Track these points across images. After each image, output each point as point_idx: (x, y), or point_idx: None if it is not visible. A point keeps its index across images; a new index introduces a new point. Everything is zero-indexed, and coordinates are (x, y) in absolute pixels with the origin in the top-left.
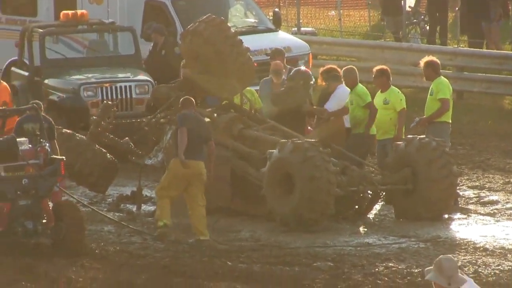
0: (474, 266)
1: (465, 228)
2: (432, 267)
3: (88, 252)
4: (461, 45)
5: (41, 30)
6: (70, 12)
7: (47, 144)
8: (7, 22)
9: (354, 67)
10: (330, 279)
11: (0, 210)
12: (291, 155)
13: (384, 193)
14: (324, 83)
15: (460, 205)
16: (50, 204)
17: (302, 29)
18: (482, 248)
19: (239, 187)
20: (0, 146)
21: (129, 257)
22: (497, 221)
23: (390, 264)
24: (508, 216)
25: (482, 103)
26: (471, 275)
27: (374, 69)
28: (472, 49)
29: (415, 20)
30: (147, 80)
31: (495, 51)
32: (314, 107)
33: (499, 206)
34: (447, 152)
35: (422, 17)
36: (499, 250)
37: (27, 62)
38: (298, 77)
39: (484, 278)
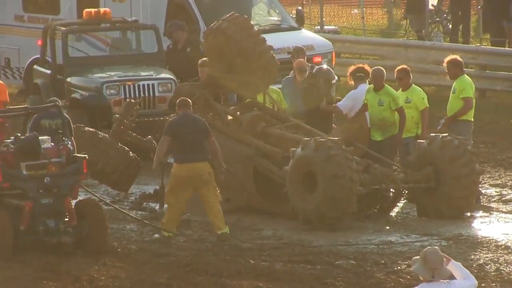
0: (496, 264)
1: (487, 226)
2: (418, 257)
3: (110, 251)
4: (484, 44)
5: (63, 28)
6: (93, 10)
7: (69, 142)
8: (29, 20)
9: (382, 68)
10: (352, 277)
11: (22, 208)
12: (314, 153)
13: (406, 191)
14: (351, 82)
15: (482, 203)
16: (73, 203)
17: (325, 27)
18: (504, 246)
19: (261, 185)
20: (22, 145)
21: (152, 255)
22: None
23: None
24: None
25: (504, 101)
26: (493, 273)
27: (397, 69)
28: (494, 47)
29: (438, 19)
30: (170, 78)
31: None
32: (334, 105)
33: None
34: (469, 150)
35: (445, 15)
36: None
37: (49, 60)
38: (319, 75)
39: (505, 276)
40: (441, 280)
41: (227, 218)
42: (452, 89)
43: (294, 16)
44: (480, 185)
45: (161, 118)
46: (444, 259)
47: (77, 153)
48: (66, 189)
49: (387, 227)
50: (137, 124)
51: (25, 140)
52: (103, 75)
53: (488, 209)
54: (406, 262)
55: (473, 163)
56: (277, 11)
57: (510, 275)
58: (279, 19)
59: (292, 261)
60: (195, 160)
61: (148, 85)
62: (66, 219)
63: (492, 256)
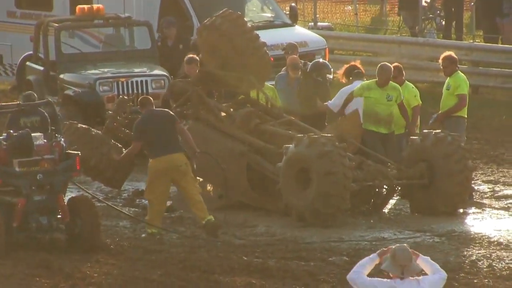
0: (489, 260)
1: (480, 222)
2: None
3: (103, 248)
4: (477, 40)
5: (56, 25)
6: (86, 6)
7: (62, 139)
8: (22, 16)
9: (389, 64)
10: (345, 273)
11: (14, 205)
12: (307, 150)
13: (399, 188)
14: (343, 80)
15: (475, 199)
16: (66, 199)
17: (319, 24)
18: (496, 242)
19: (255, 182)
20: (15, 141)
21: (145, 252)
22: (511, 215)
23: None
24: None
25: (497, 98)
26: (485, 269)
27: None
28: (487, 44)
29: (431, 15)
30: (163, 75)
31: (510, 46)
32: (325, 104)
33: None
34: (462, 147)
35: (438, 12)
36: None
37: (42, 56)
38: (312, 69)
39: (498, 272)
40: (411, 278)
41: (218, 214)
42: (446, 85)
43: (287, 12)
44: (473, 182)
45: None
46: (413, 255)
47: (70, 150)
48: (59, 186)
49: (380, 224)
50: (130, 121)
51: (17, 137)
52: (96, 71)
53: (481, 206)
54: None
55: (466, 160)
56: (270, 8)
57: (502, 271)
58: (273, 15)
59: (285, 258)
60: (170, 152)
61: (141, 81)
62: (59, 216)
63: (485, 252)
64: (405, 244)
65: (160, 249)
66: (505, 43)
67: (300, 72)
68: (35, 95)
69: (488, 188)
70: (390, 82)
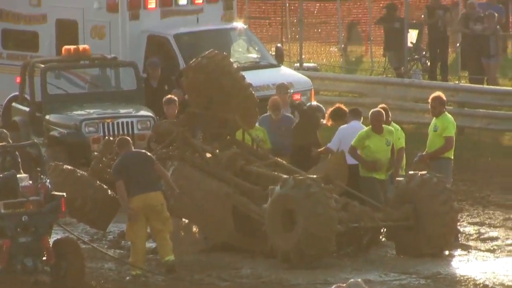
0: None
1: (466, 264)
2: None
3: None
4: (462, 81)
5: (42, 65)
6: (72, 47)
7: (48, 181)
8: (8, 57)
9: (381, 110)
10: None
11: None
12: (293, 191)
13: (385, 230)
14: (330, 123)
15: (460, 241)
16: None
17: (305, 64)
18: (482, 285)
19: (240, 223)
20: (0, 182)
21: None
22: (497, 257)
23: None
24: (508, 252)
25: (483, 139)
26: None
27: (373, 110)
28: (473, 85)
29: (416, 56)
30: (149, 116)
31: (495, 87)
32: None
33: (499, 242)
34: (448, 188)
35: (424, 53)
36: (499, 286)
37: (28, 97)
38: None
39: None
40: None
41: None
42: (433, 126)
43: (273, 53)
44: (458, 223)
45: None
46: None
47: (55, 191)
48: (44, 228)
49: (366, 266)
50: None
51: (3, 178)
52: (82, 112)
53: (466, 248)
54: None
55: (452, 201)
56: (256, 48)
57: None
58: (259, 56)
59: None
60: (147, 191)
61: (127, 122)
62: (44, 258)
63: None
64: (359, 279)
65: None
66: (491, 84)
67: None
68: (6, 131)
69: (474, 230)
70: (385, 126)
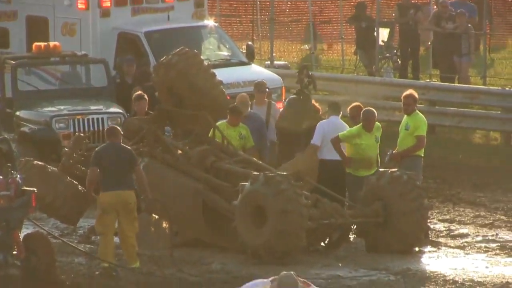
0: None
1: (435, 261)
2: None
3: (59, 284)
4: (433, 80)
5: (13, 62)
6: (42, 44)
7: (18, 176)
8: None
9: (372, 109)
10: None
11: None
12: (263, 188)
13: (355, 226)
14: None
15: (430, 238)
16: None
17: (275, 62)
18: (451, 281)
19: (210, 219)
20: None
21: None
22: (467, 254)
23: None
24: (477, 249)
25: (454, 137)
26: None
27: (350, 107)
28: (444, 83)
29: (388, 54)
30: (119, 112)
31: (466, 85)
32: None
33: (469, 239)
34: (418, 186)
35: (395, 51)
36: (469, 283)
37: None
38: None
39: None
40: None
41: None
42: (405, 125)
43: (244, 51)
44: (429, 220)
45: None
46: (303, 284)
47: (26, 187)
48: (14, 223)
49: (336, 262)
50: (86, 158)
51: None
52: (53, 108)
53: (436, 244)
54: None
55: (422, 198)
56: (227, 46)
57: None
58: (229, 54)
59: None
60: (120, 188)
61: (97, 119)
62: (15, 253)
63: None
64: (292, 272)
65: (116, 286)
66: (462, 82)
67: (249, 109)
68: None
69: (444, 227)
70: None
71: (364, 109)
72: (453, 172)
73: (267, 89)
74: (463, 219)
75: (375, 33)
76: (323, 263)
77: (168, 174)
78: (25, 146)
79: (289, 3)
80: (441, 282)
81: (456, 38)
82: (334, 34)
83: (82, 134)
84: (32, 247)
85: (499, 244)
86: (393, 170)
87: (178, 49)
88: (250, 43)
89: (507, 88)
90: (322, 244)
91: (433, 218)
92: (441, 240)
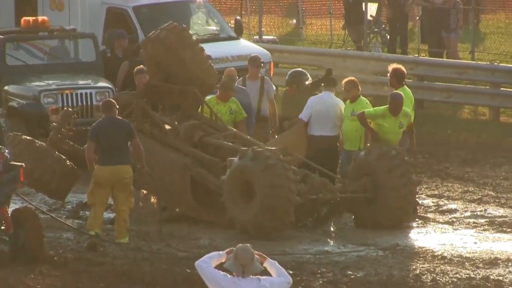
0: (432, 274)
1: (424, 236)
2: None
3: (47, 259)
4: (422, 55)
5: (1, 37)
6: (31, 18)
7: (7, 150)
8: None
9: (400, 93)
10: None
11: None
12: (251, 163)
13: (343, 201)
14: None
15: (419, 214)
16: (9, 211)
17: (264, 37)
18: (440, 256)
19: (199, 194)
20: None
21: (88, 264)
22: (455, 229)
23: (349, 272)
24: (466, 224)
25: (442, 112)
26: (429, 283)
27: (344, 81)
28: (432, 58)
29: (376, 29)
30: (107, 87)
31: (455, 60)
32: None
33: (457, 214)
34: (406, 161)
35: (383, 26)
36: (457, 259)
37: None
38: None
39: (442, 286)
40: (252, 277)
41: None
42: None
43: (232, 26)
44: (417, 196)
45: None
46: (259, 257)
47: (14, 161)
48: (2, 197)
49: (324, 237)
50: (75, 133)
51: None
52: (41, 83)
53: (425, 220)
54: (343, 272)
55: (410, 174)
56: (215, 21)
57: (446, 285)
58: (218, 28)
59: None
60: (117, 163)
61: (86, 93)
62: (3, 227)
63: (429, 266)
64: (247, 244)
65: (103, 261)
66: (450, 58)
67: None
68: None
69: (432, 202)
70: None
71: (393, 92)
72: (442, 147)
73: (262, 64)
74: (452, 195)
75: (364, 8)
76: (312, 238)
77: (156, 149)
78: (13, 121)
79: None
80: (430, 258)
81: (445, 13)
82: (323, 9)
83: (70, 109)
84: (20, 222)
85: (488, 219)
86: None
87: (166, 24)
88: (238, 17)
89: (495, 63)
90: (310, 219)
91: (422, 194)
92: (430, 215)
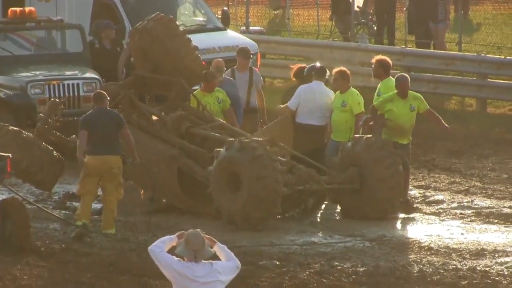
0: (419, 265)
1: (411, 227)
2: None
3: (34, 250)
4: (409, 46)
5: None
6: (18, 9)
7: None
8: None
9: (405, 75)
10: (275, 277)
11: None
12: (238, 154)
13: (330, 192)
14: (294, 79)
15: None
16: None
17: (251, 28)
18: (427, 247)
19: (186, 185)
20: None
21: (75, 254)
22: (442, 220)
23: (336, 263)
24: (452, 215)
25: (429, 103)
26: (416, 274)
27: (334, 71)
28: (419, 49)
29: (363, 20)
30: (94, 78)
31: (442, 51)
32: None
33: (444, 205)
34: (393, 152)
35: (370, 17)
36: (444, 250)
37: None
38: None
39: (428, 277)
40: (204, 261)
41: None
42: (377, 91)
43: (219, 16)
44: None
45: None
46: (209, 241)
47: (1, 152)
48: None
49: (311, 228)
50: (62, 124)
51: None
52: (28, 74)
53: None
54: (329, 263)
55: (397, 165)
56: (202, 12)
57: (433, 276)
58: (205, 19)
59: None
60: (107, 153)
61: (73, 84)
62: None
63: (415, 257)
64: (198, 230)
65: (90, 252)
66: (438, 49)
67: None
68: None
69: (419, 193)
70: (410, 91)
71: (397, 75)
72: (429, 138)
73: (251, 56)
74: (439, 186)
75: None
76: (298, 229)
77: (143, 140)
78: (0, 112)
79: None
80: (416, 249)
81: (432, 3)
82: (310, 0)
83: (57, 100)
84: (7, 213)
85: (474, 210)
86: (368, 136)
87: (153, 15)
88: (225, 8)
89: (482, 54)
90: (297, 210)
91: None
92: (417, 206)
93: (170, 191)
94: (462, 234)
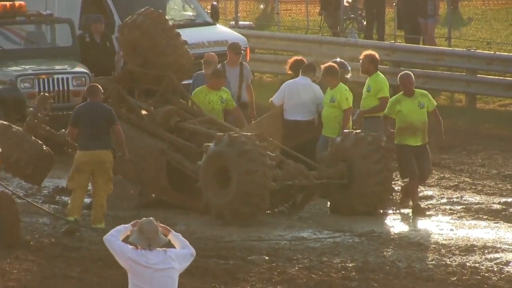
0: (408, 261)
1: (400, 223)
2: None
3: (23, 244)
4: (398, 41)
5: None
6: (7, 3)
7: None
8: None
9: (409, 72)
10: (264, 272)
11: None
12: (227, 149)
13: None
14: (290, 72)
15: (395, 200)
16: None
17: (240, 22)
18: (416, 243)
19: (175, 180)
20: None
21: (64, 249)
22: (432, 216)
23: (325, 258)
24: (442, 211)
25: None
26: (405, 270)
27: (323, 67)
28: (409, 44)
29: (352, 15)
30: (84, 72)
31: (431, 47)
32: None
33: (433, 201)
34: (382, 147)
35: (360, 12)
36: (433, 245)
37: None
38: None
39: (417, 273)
40: (158, 249)
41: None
42: (367, 86)
43: (209, 11)
44: (393, 182)
45: None
46: (163, 229)
47: None
48: None
49: (300, 223)
50: (51, 118)
51: None
52: (18, 68)
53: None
54: (318, 258)
55: (386, 160)
56: (192, 6)
57: (421, 272)
58: (194, 14)
59: (205, 256)
60: (98, 148)
61: (62, 78)
62: None
63: (405, 252)
64: (151, 218)
65: (79, 247)
66: (427, 44)
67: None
68: None
69: None
70: (416, 89)
71: (401, 73)
72: None
73: (242, 51)
74: (428, 181)
75: None
76: (287, 224)
77: (132, 134)
78: None
79: None
80: (406, 244)
81: None
82: None
83: (47, 94)
84: None
85: (464, 206)
86: (357, 131)
87: (143, 9)
88: (215, 3)
89: (472, 50)
90: (286, 205)
91: (398, 180)
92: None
93: (159, 185)
94: (451, 230)
